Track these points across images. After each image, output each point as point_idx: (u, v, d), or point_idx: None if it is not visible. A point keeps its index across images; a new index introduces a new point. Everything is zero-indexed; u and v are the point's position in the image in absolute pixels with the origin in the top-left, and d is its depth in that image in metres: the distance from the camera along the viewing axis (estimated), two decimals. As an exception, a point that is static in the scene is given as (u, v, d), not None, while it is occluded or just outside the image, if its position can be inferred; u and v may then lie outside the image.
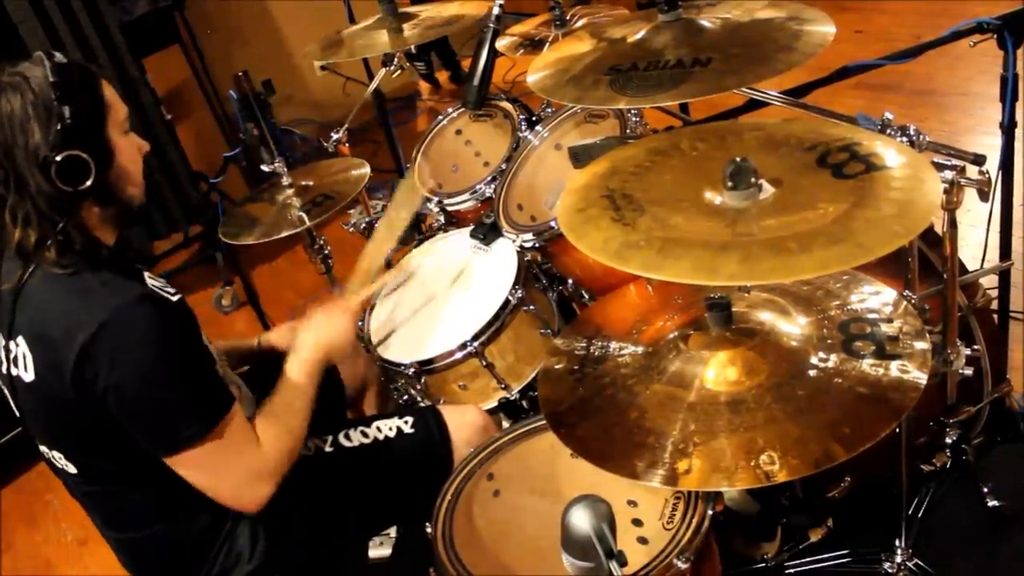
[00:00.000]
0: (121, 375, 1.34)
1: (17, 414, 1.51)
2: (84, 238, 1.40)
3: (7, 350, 1.43)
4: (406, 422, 1.77)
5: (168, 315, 1.39)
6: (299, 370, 1.63)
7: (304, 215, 2.28)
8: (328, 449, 1.71)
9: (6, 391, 1.49)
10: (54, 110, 1.33)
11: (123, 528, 1.58)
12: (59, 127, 1.33)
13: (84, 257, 1.39)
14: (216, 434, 1.41)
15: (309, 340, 1.69)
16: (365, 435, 1.74)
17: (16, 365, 1.41)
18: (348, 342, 1.75)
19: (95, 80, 1.42)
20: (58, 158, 1.32)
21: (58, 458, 1.50)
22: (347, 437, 1.73)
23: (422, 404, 2.02)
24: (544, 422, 1.54)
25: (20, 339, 1.40)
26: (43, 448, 1.52)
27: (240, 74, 3.85)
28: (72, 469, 1.49)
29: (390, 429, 1.75)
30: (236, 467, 1.46)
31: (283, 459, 1.51)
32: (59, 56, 1.39)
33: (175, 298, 1.42)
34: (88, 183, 1.36)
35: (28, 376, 1.40)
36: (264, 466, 1.48)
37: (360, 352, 2.15)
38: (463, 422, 1.78)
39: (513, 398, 2.00)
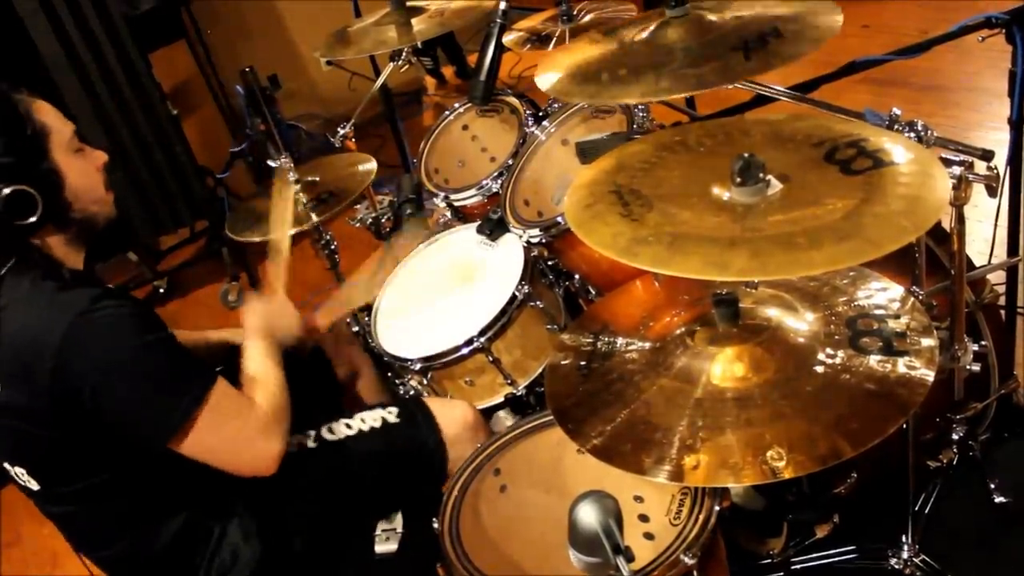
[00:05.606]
0: (101, 376, 1.34)
1: None
2: (45, 263, 1.41)
3: None
4: (391, 412, 1.75)
5: (126, 305, 1.40)
6: (258, 352, 1.63)
7: (311, 211, 2.28)
8: (312, 444, 1.69)
9: None
10: None
11: (93, 548, 1.57)
12: None
13: (46, 278, 1.39)
14: (210, 402, 1.41)
15: (255, 325, 1.70)
16: (349, 427, 1.72)
17: None
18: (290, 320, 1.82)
19: (22, 108, 1.39)
20: (2, 194, 1.32)
21: (20, 474, 1.48)
22: (330, 431, 1.71)
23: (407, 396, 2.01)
24: (551, 418, 1.54)
25: None
26: (6, 465, 1.50)
27: (246, 69, 3.84)
28: (35, 486, 1.48)
29: (375, 420, 1.74)
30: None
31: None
32: None
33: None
34: (36, 215, 1.36)
35: None
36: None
37: (351, 340, 2.17)
38: (452, 417, 1.77)
39: (519, 394, 2.00)
